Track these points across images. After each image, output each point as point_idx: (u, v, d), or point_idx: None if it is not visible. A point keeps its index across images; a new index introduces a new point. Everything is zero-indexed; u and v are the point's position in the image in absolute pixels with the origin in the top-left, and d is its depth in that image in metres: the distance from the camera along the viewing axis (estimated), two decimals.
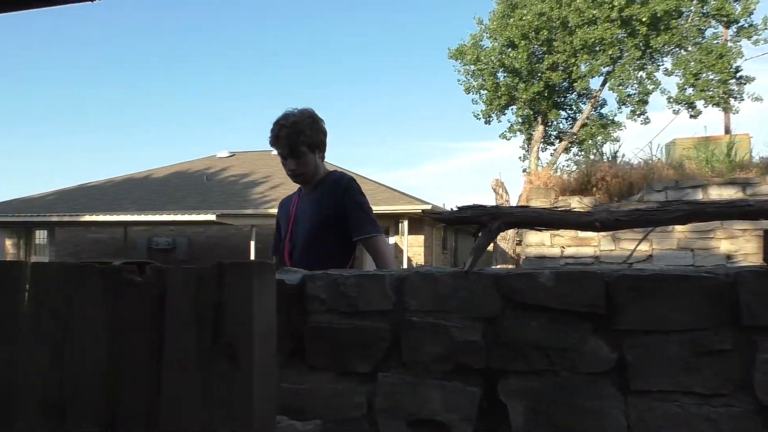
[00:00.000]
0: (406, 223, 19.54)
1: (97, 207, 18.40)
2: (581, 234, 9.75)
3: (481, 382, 1.82)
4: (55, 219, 17.67)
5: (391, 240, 19.64)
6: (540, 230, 1.89)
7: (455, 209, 1.89)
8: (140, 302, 1.83)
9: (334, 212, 3.06)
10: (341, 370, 1.90)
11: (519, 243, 15.53)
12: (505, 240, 15.56)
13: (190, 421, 1.70)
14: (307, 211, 3.16)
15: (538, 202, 10.21)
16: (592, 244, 9.95)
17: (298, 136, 3.03)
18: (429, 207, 19.16)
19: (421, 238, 20.57)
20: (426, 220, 20.08)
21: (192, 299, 1.74)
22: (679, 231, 9.61)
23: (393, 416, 1.83)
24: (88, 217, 17.20)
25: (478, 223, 1.87)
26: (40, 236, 20.59)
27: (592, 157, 18.62)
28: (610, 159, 12.35)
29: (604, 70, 26.08)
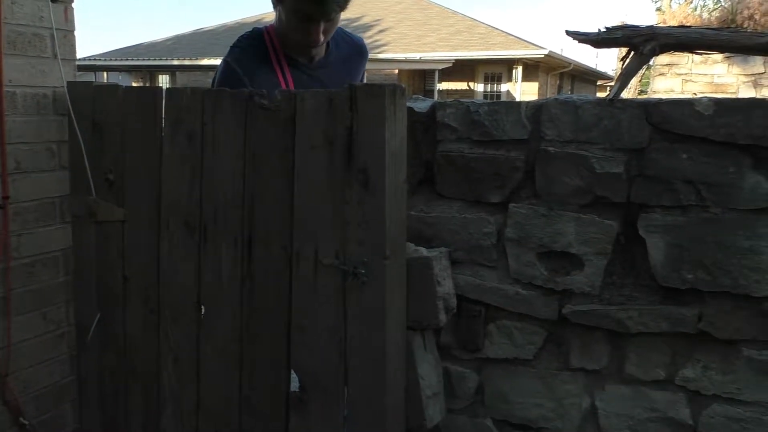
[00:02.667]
0: (520, 69, 18.69)
1: (213, 51, 18.80)
2: (718, 80, 8.91)
3: (620, 216, 1.73)
4: (176, 63, 18.29)
5: (504, 87, 18.97)
6: (700, 53, 1.68)
7: (603, 29, 1.70)
8: (272, 127, 1.84)
9: None
10: (471, 199, 1.87)
11: (642, 93, 14.54)
12: (627, 90, 14.60)
13: (324, 240, 1.75)
14: (331, 85, 1.98)
15: None
16: (729, 92, 9.12)
17: None
18: (546, 52, 18.13)
19: (535, 86, 19.69)
20: (542, 66, 19.08)
21: (323, 123, 1.73)
22: None
23: (523, 246, 1.80)
24: (206, 61, 17.66)
25: (629, 45, 1.69)
26: (163, 80, 21.49)
27: None
28: None
29: None
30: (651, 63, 8.84)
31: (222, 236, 1.95)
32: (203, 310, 2.02)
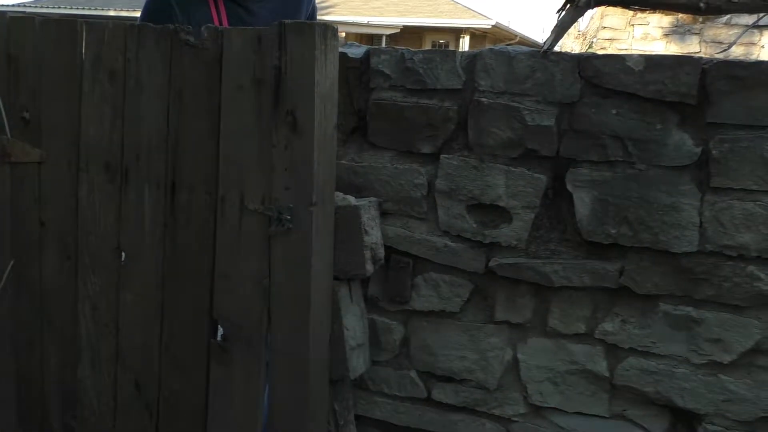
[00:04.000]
0: (467, 39, 18.71)
1: None
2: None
3: (549, 170, 1.74)
4: (112, 14, 17.59)
5: None
6: (634, 10, 1.68)
7: None
8: (198, 65, 1.75)
9: None
10: (403, 149, 1.84)
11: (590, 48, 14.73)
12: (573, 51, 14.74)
13: (250, 185, 1.70)
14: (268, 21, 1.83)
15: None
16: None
17: None
18: (493, 23, 18.18)
19: None
20: (489, 38, 19.16)
21: (250, 62, 1.65)
22: None
23: (453, 199, 1.79)
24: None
25: None
26: None
27: None
28: None
29: None
30: (594, 39, 8.95)
31: (144, 180, 1.86)
32: (123, 257, 1.94)
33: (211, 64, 1.72)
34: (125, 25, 1.86)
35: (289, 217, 1.63)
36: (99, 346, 2.00)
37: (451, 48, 19.01)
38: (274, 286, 1.71)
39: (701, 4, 1.61)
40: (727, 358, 1.65)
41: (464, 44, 18.81)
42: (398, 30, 17.40)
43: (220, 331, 1.81)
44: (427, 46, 18.82)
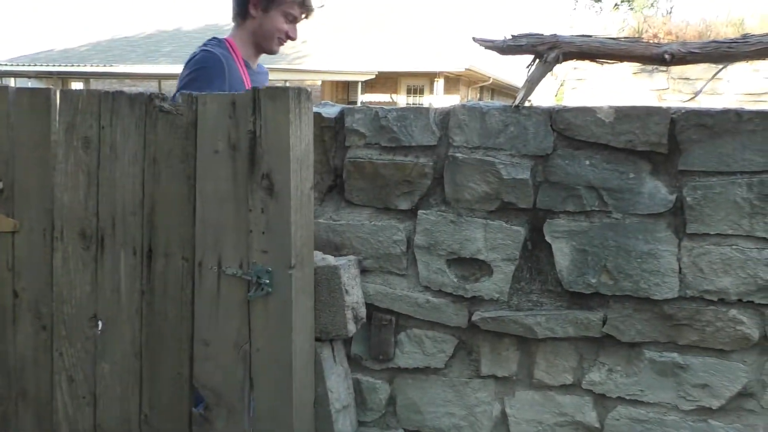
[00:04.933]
0: (441, 82, 19.01)
1: (130, 58, 18.21)
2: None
3: (527, 221, 1.74)
4: (90, 69, 17.57)
5: (426, 100, 19.22)
6: (601, 63, 1.72)
7: (509, 38, 1.72)
8: (173, 131, 1.75)
9: None
10: (381, 206, 1.84)
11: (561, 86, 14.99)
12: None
13: (227, 250, 1.68)
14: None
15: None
16: None
17: None
18: (467, 66, 18.50)
19: (456, 99, 20.06)
20: (462, 80, 19.48)
21: (225, 127, 1.65)
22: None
23: (432, 254, 1.79)
24: (122, 68, 17.07)
25: (533, 53, 1.71)
26: (77, 87, 20.65)
27: (644, 12, 17.48)
28: (665, 14, 11.55)
29: None
30: (564, 78, 9.14)
31: (120, 246, 1.84)
32: (100, 326, 1.90)
33: (187, 130, 1.72)
34: (99, 92, 1.86)
35: (267, 281, 1.61)
36: (77, 420, 1.93)
37: (426, 90, 19.31)
38: (255, 351, 1.67)
39: (666, 56, 1.64)
40: (715, 404, 1.64)
41: (439, 87, 19.12)
42: (374, 76, 17.64)
43: (202, 399, 1.76)
44: (403, 90, 19.09)
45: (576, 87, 8.95)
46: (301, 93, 1.60)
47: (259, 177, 1.62)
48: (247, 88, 2.10)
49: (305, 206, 1.66)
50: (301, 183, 1.63)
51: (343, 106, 1.90)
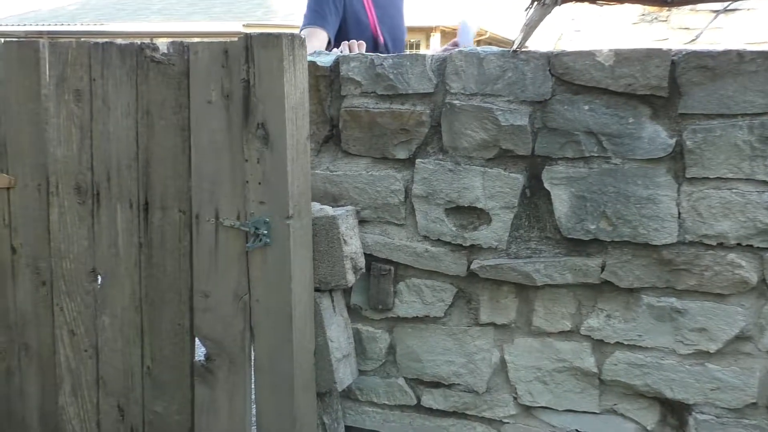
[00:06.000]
0: (438, 36, 18.72)
1: (120, 16, 17.89)
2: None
3: (526, 169, 1.72)
4: (79, 29, 17.29)
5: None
6: (601, 4, 1.68)
7: None
8: (165, 82, 1.72)
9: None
10: (378, 155, 1.82)
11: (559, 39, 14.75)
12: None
13: (224, 201, 1.67)
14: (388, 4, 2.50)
15: None
16: None
17: None
18: (464, 20, 18.18)
19: None
20: None
21: (218, 76, 1.63)
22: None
23: (431, 203, 1.78)
24: (113, 26, 16.79)
25: None
26: None
27: None
28: None
29: None
30: (561, 31, 8.97)
31: (116, 200, 1.83)
32: (99, 280, 1.90)
33: (179, 80, 1.70)
34: (89, 43, 1.83)
35: (265, 231, 1.60)
36: (79, 372, 1.95)
37: (423, 46, 19.03)
38: (254, 301, 1.68)
39: None
40: (713, 347, 1.65)
41: (435, 42, 18.82)
42: None
43: (203, 350, 1.78)
44: None
45: (573, 39, 8.81)
46: (294, 40, 1.57)
47: (254, 127, 1.59)
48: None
49: (302, 156, 1.64)
50: (296, 132, 1.61)
51: (338, 54, 1.86)
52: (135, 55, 1.75)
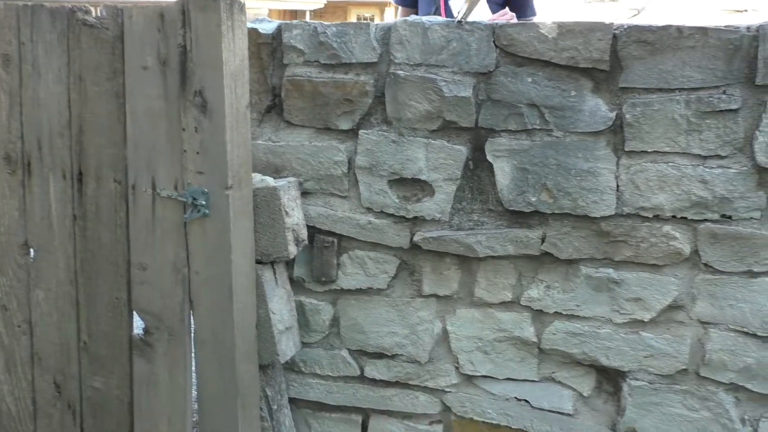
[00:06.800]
0: (392, 10, 18.56)
1: None
2: None
3: (469, 141, 1.73)
4: None
5: None
6: None
7: None
8: (98, 46, 1.65)
9: None
10: (321, 126, 1.79)
11: None
12: None
13: (161, 171, 1.62)
14: None
15: None
16: None
17: None
18: None
19: None
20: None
21: (154, 41, 1.57)
22: None
23: (374, 174, 1.76)
24: None
25: None
26: None
27: None
28: None
29: None
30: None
31: (49, 170, 1.76)
32: (32, 253, 1.83)
33: (113, 45, 1.63)
34: (17, 5, 1.74)
35: (204, 202, 1.57)
36: (13, 349, 1.89)
37: (377, 19, 18.86)
38: (194, 273, 1.65)
39: None
40: (647, 316, 1.70)
41: (389, 16, 18.66)
42: (322, 5, 17.10)
43: (141, 323, 1.74)
44: (353, 19, 18.59)
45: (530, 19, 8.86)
46: (233, 4, 1.52)
47: (191, 94, 1.55)
48: None
49: (241, 124, 1.60)
50: (236, 100, 1.57)
51: (281, 21, 1.82)
52: (66, 18, 1.67)
